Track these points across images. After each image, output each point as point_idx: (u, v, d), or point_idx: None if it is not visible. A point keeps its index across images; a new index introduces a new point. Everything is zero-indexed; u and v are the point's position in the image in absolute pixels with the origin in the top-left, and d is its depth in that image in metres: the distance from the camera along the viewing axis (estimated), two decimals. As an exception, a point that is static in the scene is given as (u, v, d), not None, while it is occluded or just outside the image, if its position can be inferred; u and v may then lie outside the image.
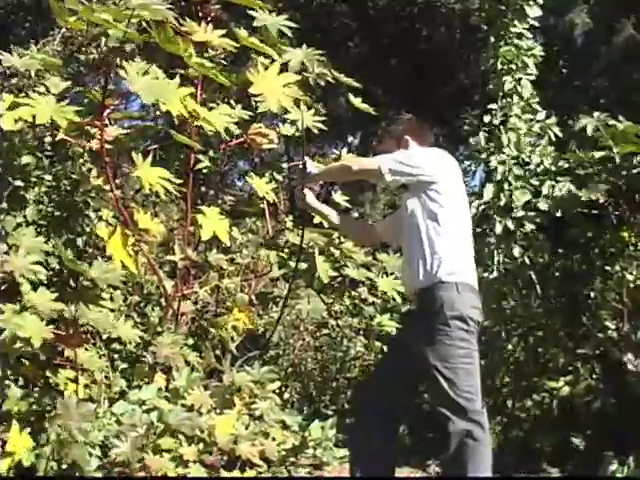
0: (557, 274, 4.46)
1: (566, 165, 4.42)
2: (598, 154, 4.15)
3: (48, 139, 3.45)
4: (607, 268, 4.27)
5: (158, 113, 4.45)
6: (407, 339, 3.16)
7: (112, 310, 3.11)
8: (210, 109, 3.10)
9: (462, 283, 2.99)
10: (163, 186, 2.82)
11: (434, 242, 3.01)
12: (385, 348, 4.38)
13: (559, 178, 4.38)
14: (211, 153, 3.38)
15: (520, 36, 4.66)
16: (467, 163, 4.74)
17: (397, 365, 3.19)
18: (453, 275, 2.97)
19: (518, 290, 4.47)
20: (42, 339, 2.63)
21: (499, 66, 4.64)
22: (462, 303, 2.96)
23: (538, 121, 4.58)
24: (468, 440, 2.90)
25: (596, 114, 4.28)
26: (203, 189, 4.19)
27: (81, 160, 3.37)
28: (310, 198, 3.24)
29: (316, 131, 3.33)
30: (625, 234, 4.15)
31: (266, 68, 3.04)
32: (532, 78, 4.67)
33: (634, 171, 4.14)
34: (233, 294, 3.66)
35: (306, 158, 3.15)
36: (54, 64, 3.18)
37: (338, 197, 3.92)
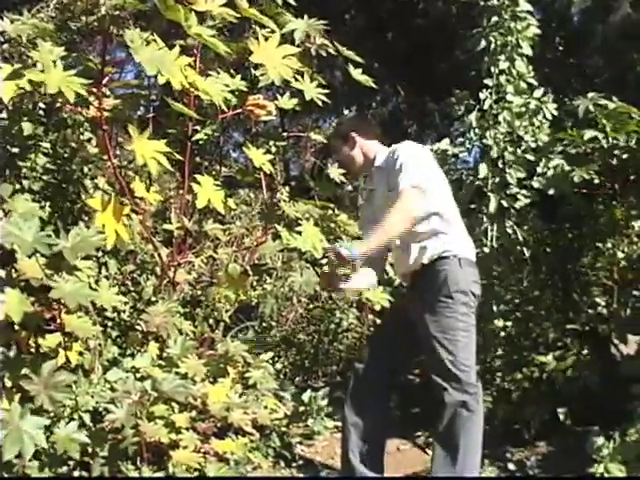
0: (549, 250, 4.50)
1: (559, 144, 4.42)
2: (588, 134, 4.16)
3: (41, 105, 3.42)
4: (598, 245, 4.31)
5: (152, 81, 4.42)
6: (407, 312, 3.21)
7: (97, 278, 3.10)
8: (207, 77, 3.09)
9: (464, 258, 3.09)
10: (157, 161, 2.79)
11: (433, 225, 3.09)
12: (378, 321, 4.43)
13: (552, 156, 4.39)
14: (209, 124, 3.37)
15: (514, 18, 4.62)
16: (462, 140, 4.74)
17: (393, 338, 3.26)
18: (455, 251, 3.08)
19: (510, 266, 4.51)
20: (23, 312, 2.60)
21: (492, 46, 4.62)
22: (464, 278, 3.06)
23: (534, 99, 4.57)
24: (462, 411, 2.98)
25: (590, 94, 4.28)
26: (197, 159, 4.18)
27: (81, 129, 3.36)
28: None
29: (320, 103, 3.33)
30: (617, 212, 4.18)
31: (266, 39, 3.03)
32: (527, 55, 4.64)
33: (625, 151, 4.16)
34: (226, 264, 3.67)
35: (337, 245, 2.92)
36: (47, 30, 3.15)
37: (333, 171, 3.89)
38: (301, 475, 3.61)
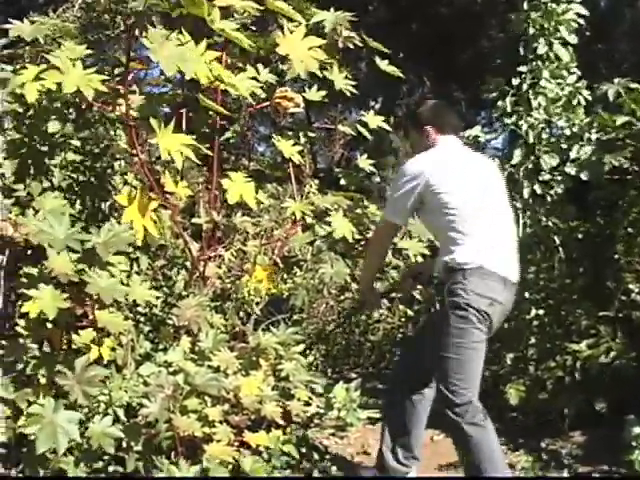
0: (581, 237, 4.43)
1: (592, 130, 4.35)
2: (620, 120, 4.09)
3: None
4: (630, 231, 4.24)
5: (179, 77, 4.44)
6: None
7: (128, 273, 3.12)
8: (235, 73, 3.09)
9: (474, 269, 2.86)
10: (183, 154, 2.77)
11: (447, 237, 2.95)
12: (409, 312, 4.44)
13: (584, 143, 4.32)
14: (236, 119, 3.38)
15: (556, 1, 4.55)
16: (492, 127, 4.69)
17: (425, 335, 3.22)
18: (464, 263, 2.86)
19: (542, 253, 4.45)
20: (57, 308, 2.63)
21: (531, 30, 4.54)
22: (465, 290, 2.84)
23: (568, 84, 4.50)
24: (456, 431, 2.89)
25: (617, 80, 4.21)
26: (225, 154, 4.20)
27: (111, 125, 3.37)
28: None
29: (348, 93, 3.35)
30: (648, 197, 4.12)
31: (291, 32, 3.02)
32: (569, 41, 4.57)
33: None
34: (255, 257, 3.67)
35: None
36: (69, 30, 3.15)
37: (363, 162, 3.89)
38: (334, 467, 3.61)
